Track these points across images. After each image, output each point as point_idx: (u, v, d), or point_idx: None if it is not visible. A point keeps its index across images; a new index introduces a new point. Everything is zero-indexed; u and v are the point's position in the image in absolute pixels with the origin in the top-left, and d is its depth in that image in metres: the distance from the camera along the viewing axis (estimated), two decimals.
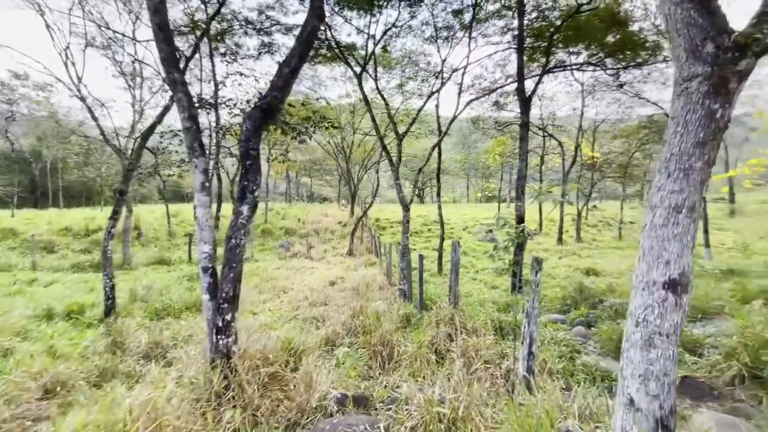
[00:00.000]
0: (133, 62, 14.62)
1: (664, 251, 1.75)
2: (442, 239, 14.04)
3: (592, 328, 5.49)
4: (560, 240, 22.82)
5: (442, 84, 12.86)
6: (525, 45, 10.34)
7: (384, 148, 11.14)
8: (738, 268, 9.41)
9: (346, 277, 11.94)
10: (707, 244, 16.14)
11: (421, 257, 7.32)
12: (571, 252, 18.98)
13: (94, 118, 10.54)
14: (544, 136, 25.81)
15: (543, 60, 11.57)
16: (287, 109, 10.62)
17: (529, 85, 11.26)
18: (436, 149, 13.67)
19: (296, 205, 35.33)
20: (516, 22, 10.29)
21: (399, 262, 9.16)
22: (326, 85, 24.72)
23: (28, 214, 24.49)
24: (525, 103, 9.76)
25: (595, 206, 23.64)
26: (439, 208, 14.75)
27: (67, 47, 11.54)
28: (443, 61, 12.79)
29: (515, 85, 10.87)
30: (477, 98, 14.82)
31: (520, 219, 8.96)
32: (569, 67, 12.48)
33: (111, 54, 14.55)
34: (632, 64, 11.30)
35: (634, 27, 10.58)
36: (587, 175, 28.64)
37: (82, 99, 10.87)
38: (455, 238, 23.19)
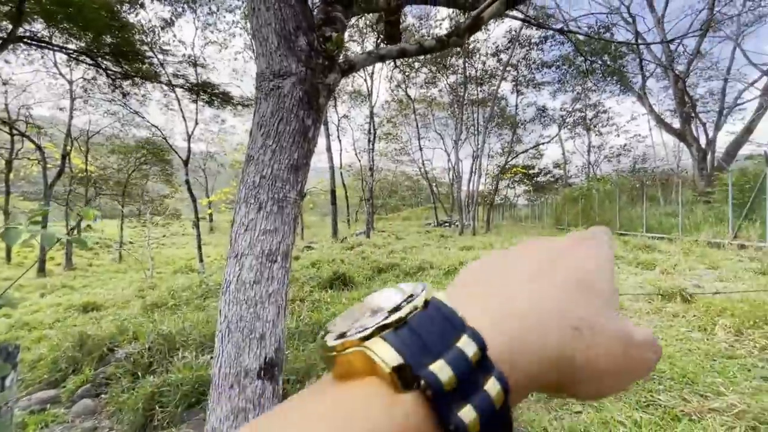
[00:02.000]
0: None
1: (257, 321, 1.16)
2: None
3: (103, 396, 4.13)
4: (42, 270, 17.69)
5: None
6: None
7: None
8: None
9: None
10: (201, 259, 18.40)
11: None
12: (61, 284, 15.05)
13: None
14: (12, 134, 19.22)
15: (10, 26, 8.17)
16: None
17: None
18: None
19: None
20: None
21: None
22: None
23: None
24: None
25: (89, 240, 20.58)
26: None
27: None
28: None
29: None
30: None
31: None
32: (48, 47, 9.58)
33: None
34: (134, 75, 10.55)
35: (136, 37, 9.95)
36: (80, 190, 24.65)
37: None
38: None
